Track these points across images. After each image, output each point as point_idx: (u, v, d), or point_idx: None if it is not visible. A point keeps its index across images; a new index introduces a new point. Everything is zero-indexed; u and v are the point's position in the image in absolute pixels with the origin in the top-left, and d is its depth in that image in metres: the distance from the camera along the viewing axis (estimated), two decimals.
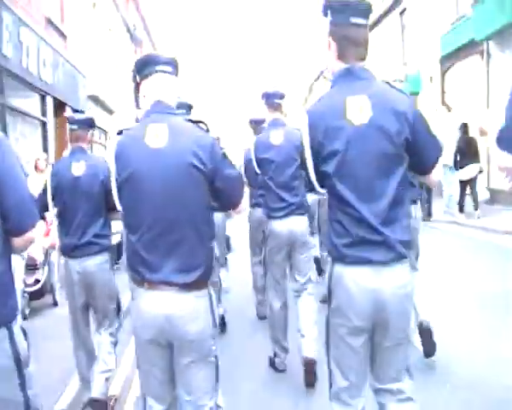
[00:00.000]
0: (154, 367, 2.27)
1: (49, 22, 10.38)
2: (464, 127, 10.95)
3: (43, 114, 10.09)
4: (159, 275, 2.18)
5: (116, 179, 2.26)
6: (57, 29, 10.92)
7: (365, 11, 2.15)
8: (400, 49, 19.15)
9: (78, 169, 3.51)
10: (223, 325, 5.06)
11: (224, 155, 2.32)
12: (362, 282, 2.09)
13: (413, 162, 2.17)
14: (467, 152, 10.58)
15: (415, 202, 3.96)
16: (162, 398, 2.31)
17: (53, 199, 3.54)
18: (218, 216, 4.49)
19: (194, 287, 2.21)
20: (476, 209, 10.72)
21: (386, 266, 2.09)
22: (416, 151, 2.14)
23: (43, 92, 9.93)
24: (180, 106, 3.21)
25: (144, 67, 2.33)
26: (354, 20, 2.13)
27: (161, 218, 2.18)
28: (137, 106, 3.04)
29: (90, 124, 3.72)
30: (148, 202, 2.19)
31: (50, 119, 10.28)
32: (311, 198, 4.55)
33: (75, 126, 3.63)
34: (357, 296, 2.10)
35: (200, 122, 2.32)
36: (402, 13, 18.84)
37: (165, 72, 2.31)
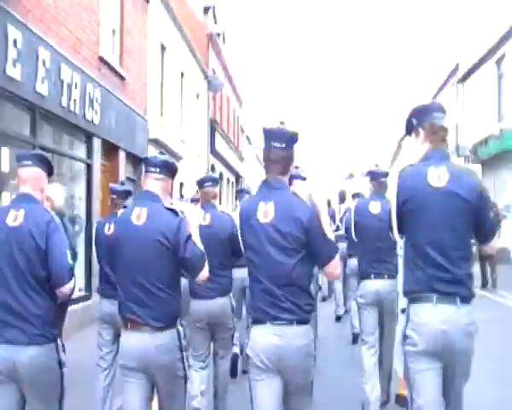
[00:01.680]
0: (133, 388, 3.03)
1: (103, 62, 9.88)
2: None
3: (89, 156, 9.45)
4: (134, 318, 2.99)
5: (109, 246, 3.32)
6: (112, 69, 10.41)
7: (285, 137, 2.92)
8: (496, 101, 17.25)
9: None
10: (233, 369, 5.57)
11: (189, 237, 3.00)
12: None
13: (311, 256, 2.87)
14: None
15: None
16: None
17: None
18: (237, 272, 4.94)
19: (165, 328, 2.98)
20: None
21: None
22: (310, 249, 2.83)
23: (88, 133, 9.32)
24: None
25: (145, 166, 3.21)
26: (274, 143, 2.91)
27: (134, 279, 2.99)
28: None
29: (126, 196, 4.60)
30: (124, 265, 3.06)
31: (97, 161, 9.60)
32: None
33: (114, 196, 4.66)
34: None
35: (174, 211, 3.05)
36: (500, 60, 17.01)
37: (156, 177, 3.13)
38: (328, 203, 10.19)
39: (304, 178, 4.54)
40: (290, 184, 4.39)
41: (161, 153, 3.40)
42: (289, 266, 2.78)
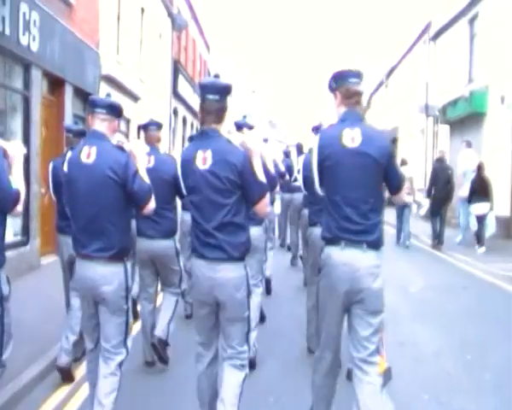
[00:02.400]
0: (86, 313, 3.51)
1: None
2: (479, 167, 11.68)
3: (26, 87, 8.55)
4: (86, 251, 3.34)
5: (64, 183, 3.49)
6: None
7: (218, 89, 3.20)
8: (467, 62, 16.71)
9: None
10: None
11: (136, 172, 3.33)
12: None
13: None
14: (479, 190, 11.46)
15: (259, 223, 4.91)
16: (89, 334, 3.56)
17: None
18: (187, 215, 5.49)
19: (112, 260, 3.32)
20: (482, 246, 11.48)
21: None
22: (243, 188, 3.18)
23: (24, 61, 8.40)
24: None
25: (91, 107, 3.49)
26: (208, 96, 3.20)
27: (87, 213, 3.30)
28: None
29: (81, 135, 4.57)
30: (77, 201, 3.34)
31: (36, 93, 8.71)
32: None
33: (69, 135, 4.91)
34: None
35: (121, 148, 3.39)
36: (472, 20, 16.39)
37: (102, 118, 3.40)
38: (286, 155, 10.39)
39: (250, 127, 4.76)
40: (239, 131, 4.62)
41: (108, 95, 3.69)
42: (227, 207, 3.13)
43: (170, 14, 19.32)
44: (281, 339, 5.74)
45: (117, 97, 13.28)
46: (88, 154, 3.28)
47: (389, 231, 14.43)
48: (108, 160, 3.26)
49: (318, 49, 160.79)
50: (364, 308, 3.10)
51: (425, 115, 19.57)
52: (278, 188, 5.37)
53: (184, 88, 22.27)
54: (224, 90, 3.21)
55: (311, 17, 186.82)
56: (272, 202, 7.23)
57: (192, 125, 26.66)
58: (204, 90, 3.22)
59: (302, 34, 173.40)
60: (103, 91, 12.22)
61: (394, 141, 27.81)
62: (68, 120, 10.11)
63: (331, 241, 3.18)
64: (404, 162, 13.77)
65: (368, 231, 3.12)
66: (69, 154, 3.52)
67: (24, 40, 8.06)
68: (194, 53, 26.20)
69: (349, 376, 3.53)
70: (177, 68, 20.61)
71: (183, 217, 6.17)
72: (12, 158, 3.33)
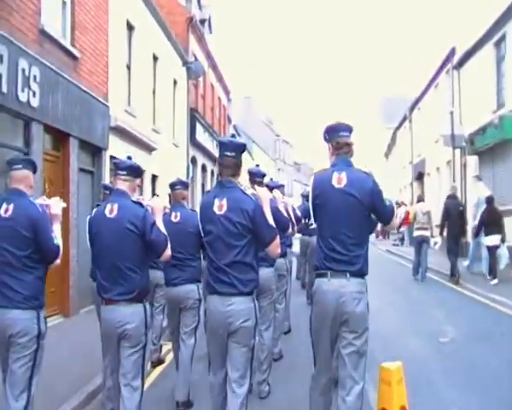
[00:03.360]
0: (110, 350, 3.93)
1: (46, 36, 8.57)
2: (489, 199, 12.33)
3: (26, 144, 8.15)
4: (109, 295, 3.80)
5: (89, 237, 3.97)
6: (60, 46, 9.11)
7: (234, 147, 3.71)
8: (494, 87, 15.94)
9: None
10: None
11: (154, 223, 3.80)
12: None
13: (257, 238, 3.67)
14: (489, 223, 11.98)
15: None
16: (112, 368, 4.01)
17: None
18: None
19: (133, 301, 3.77)
20: (495, 278, 11.79)
21: None
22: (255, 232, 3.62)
23: (25, 118, 8.03)
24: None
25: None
26: (225, 153, 3.69)
27: (110, 261, 3.78)
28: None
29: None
30: (102, 251, 3.83)
31: (37, 150, 8.31)
32: None
33: (107, 192, 5.85)
34: None
35: (139, 204, 3.87)
36: (499, 42, 15.66)
37: (123, 179, 3.94)
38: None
39: (263, 175, 5.51)
40: (251, 178, 5.35)
41: (129, 158, 4.03)
42: (238, 248, 3.56)
43: (185, 63, 19.13)
44: (295, 372, 5.97)
45: (129, 149, 12.93)
46: (111, 210, 3.79)
47: (407, 265, 15.99)
48: (128, 214, 3.76)
49: (339, 85, 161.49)
50: (349, 329, 3.53)
51: (451, 147, 18.78)
52: (296, 230, 5.99)
53: (202, 136, 21.98)
54: (239, 148, 3.73)
55: (329, 51, 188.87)
56: (290, 245, 7.61)
57: (212, 173, 26.29)
58: (222, 147, 3.72)
59: (321, 65, 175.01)
60: (113, 144, 11.91)
61: (421, 176, 27.01)
62: (73, 175, 9.70)
63: (320, 274, 3.66)
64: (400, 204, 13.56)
65: (351, 262, 3.56)
66: (94, 210, 4.04)
67: (23, 96, 7.70)
68: (212, 100, 26.05)
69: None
70: (193, 116, 20.34)
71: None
72: (54, 215, 3.87)
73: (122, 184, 3.90)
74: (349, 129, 3.77)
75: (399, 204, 16.17)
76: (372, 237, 33.76)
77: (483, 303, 10.34)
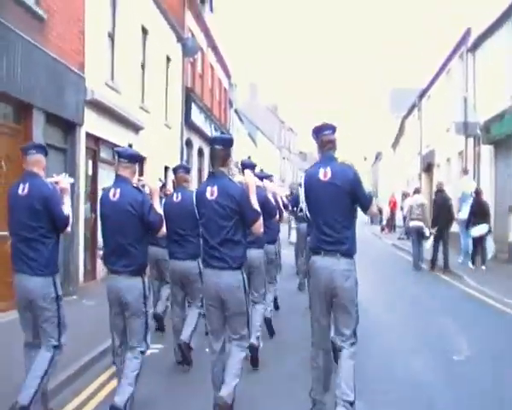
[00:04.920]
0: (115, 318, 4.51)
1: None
2: (477, 192, 13.45)
3: None
4: (114, 267, 4.41)
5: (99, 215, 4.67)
6: (22, 4, 7.93)
7: (223, 141, 4.45)
8: (509, 74, 14.59)
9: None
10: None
11: (151, 206, 4.39)
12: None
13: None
14: (477, 213, 12.92)
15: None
16: (118, 334, 4.53)
17: None
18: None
19: (133, 274, 4.36)
20: (483, 263, 12.87)
21: None
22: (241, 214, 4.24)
23: None
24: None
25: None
26: (215, 146, 4.40)
27: (114, 238, 4.40)
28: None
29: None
30: (108, 230, 4.48)
31: None
32: None
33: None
34: None
35: (138, 189, 4.47)
36: None
37: (125, 166, 4.53)
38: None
39: (253, 166, 6.32)
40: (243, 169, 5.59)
41: (130, 146, 6.38)
42: (228, 228, 4.20)
43: (180, 39, 17.89)
44: (286, 348, 6.59)
45: (109, 127, 11.78)
46: (114, 193, 4.37)
47: (405, 257, 16.58)
48: (129, 198, 4.33)
49: (347, 74, 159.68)
50: (339, 302, 4.15)
51: (464, 136, 17.51)
52: (283, 218, 7.01)
53: (199, 118, 20.76)
54: (228, 143, 4.44)
55: (338, 38, 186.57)
56: (278, 231, 7.74)
57: None
58: (213, 142, 4.48)
59: (328, 52, 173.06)
60: (90, 120, 10.74)
61: (429, 167, 25.74)
62: None
63: (315, 251, 4.31)
64: (417, 191, 15.82)
65: (340, 241, 4.17)
66: (100, 194, 4.78)
67: None
68: (212, 81, 24.80)
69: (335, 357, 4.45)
70: (189, 97, 19.13)
71: None
72: (63, 189, 4.49)
73: (123, 171, 4.49)
74: (332, 128, 4.39)
75: (406, 195, 16.37)
76: (377, 230, 32.65)
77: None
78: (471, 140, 17.58)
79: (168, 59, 17.18)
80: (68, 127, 9.95)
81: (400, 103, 36.71)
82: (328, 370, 4.31)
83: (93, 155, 11.46)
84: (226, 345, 4.36)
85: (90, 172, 11.36)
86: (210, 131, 23.01)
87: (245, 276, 4.32)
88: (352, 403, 3.95)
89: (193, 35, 19.76)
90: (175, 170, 6.16)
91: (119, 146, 12.77)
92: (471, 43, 17.66)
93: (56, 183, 4.48)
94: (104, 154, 12.16)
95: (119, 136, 12.53)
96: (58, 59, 9.10)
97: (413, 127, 30.63)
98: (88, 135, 10.80)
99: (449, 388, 5.26)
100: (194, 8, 19.95)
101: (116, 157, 4.62)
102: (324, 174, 4.20)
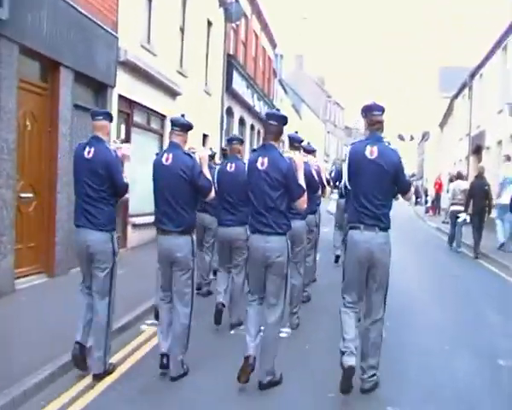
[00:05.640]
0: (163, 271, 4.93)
1: None
2: None
3: None
4: (166, 227, 4.74)
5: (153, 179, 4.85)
6: None
7: (277, 118, 4.72)
8: None
9: None
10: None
11: (200, 172, 4.72)
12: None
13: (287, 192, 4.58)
14: None
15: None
16: (167, 289, 4.88)
17: None
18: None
19: (183, 234, 4.71)
20: None
21: None
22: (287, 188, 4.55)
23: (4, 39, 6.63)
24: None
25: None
26: (270, 121, 4.69)
27: (166, 200, 4.71)
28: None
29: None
30: (160, 192, 4.76)
31: (8, 75, 6.92)
32: None
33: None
34: None
35: (189, 155, 4.77)
36: None
37: (177, 133, 4.87)
38: None
39: (301, 140, 6.58)
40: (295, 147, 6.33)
41: (182, 115, 4.97)
42: (274, 196, 4.50)
43: (222, 3, 17.35)
44: (323, 313, 6.94)
45: (144, 89, 11.48)
46: (167, 158, 4.74)
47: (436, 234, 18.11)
48: (180, 163, 4.68)
49: (394, 51, 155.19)
50: (375, 272, 4.49)
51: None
52: (326, 192, 7.48)
53: (240, 86, 20.27)
54: (282, 120, 4.72)
55: (386, 15, 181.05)
56: (319, 204, 8.07)
57: (253, 128, 24.64)
58: (267, 117, 4.78)
59: (376, 29, 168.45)
60: (123, 82, 10.45)
61: (479, 149, 24.57)
62: (67, 112, 8.33)
63: (353, 226, 4.52)
64: (460, 176, 15.27)
65: (379, 218, 4.44)
66: (155, 158, 4.97)
67: None
68: (256, 50, 24.21)
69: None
70: (231, 64, 18.65)
71: None
72: (124, 156, 4.95)
73: (176, 138, 4.80)
74: (381, 108, 4.55)
75: (452, 178, 15.30)
76: (421, 210, 31.66)
77: None
78: None
79: (209, 23, 16.71)
80: (99, 88, 9.68)
81: (450, 82, 35.14)
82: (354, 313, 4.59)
83: (126, 118, 11.20)
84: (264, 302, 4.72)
85: (123, 137, 11.11)
86: (252, 100, 22.53)
87: (289, 242, 4.63)
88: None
89: (237, 0, 19.17)
90: (229, 140, 6.61)
91: (154, 110, 12.62)
92: None
93: (118, 149, 4.92)
94: (138, 118, 11.89)
95: (154, 100, 12.24)
96: (88, 15, 8.78)
97: (463, 107, 29.28)
98: (121, 97, 10.54)
99: (492, 396, 4.75)
100: None
101: (171, 125, 4.91)
102: (371, 152, 4.41)
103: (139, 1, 11.20)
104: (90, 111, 9.31)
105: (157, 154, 5.31)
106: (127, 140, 10.99)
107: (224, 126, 18.75)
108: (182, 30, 14.23)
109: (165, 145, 12.95)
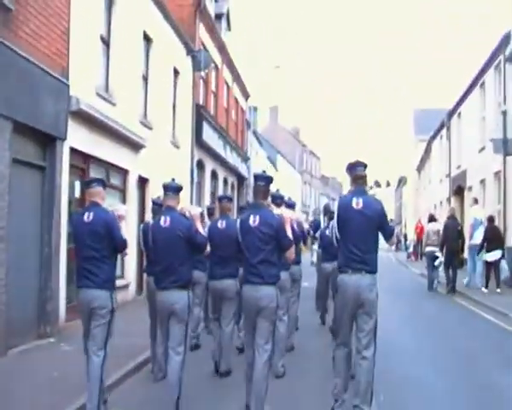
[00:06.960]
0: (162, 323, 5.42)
1: None
2: (490, 219, 13.92)
3: None
4: (164, 284, 5.22)
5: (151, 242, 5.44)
6: None
7: (264, 179, 5.31)
8: None
9: None
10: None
11: (196, 230, 5.28)
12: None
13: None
14: (491, 240, 13.38)
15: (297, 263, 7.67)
16: (164, 338, 5.44)
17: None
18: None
19: (180, 288, 5.19)
20: (498, 287, 13.25)
21: None
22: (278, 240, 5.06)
23: None
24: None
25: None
26: (258, 182, 5.26)
27: (166, 259, 5.20)
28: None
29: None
30: (159, 252, 5.29)
31: None
32: None
33: (155, 207, 6.88)
34: None
35: (184, 216, 5.34)
36: None
37: (172, 197, 5.43)
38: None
39: (281, 197, 7.07)
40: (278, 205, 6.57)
41: (173, 180, 5.58)
42: (266, 250, 4.99)
43: (189, 51, 16.57)
44: (308, 360, 7.35)
45: (101, 142, 10.37)
46: (165, 221, 5.24)
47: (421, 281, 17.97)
48: (178, 224, 5.21)
49: (369, 96, 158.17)
50: (364, 311, 4.90)
51: (502, 154, 15.76)
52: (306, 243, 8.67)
53: (212, 137, 19.33)
54: (269, 180, 5.31)
55: (359, 60, 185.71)
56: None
57: (226, 182, 23.59)
58: (256, 179, 5.30)
59: (350, 75, 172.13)
60: (75, 134, 9.32)
61: (460, 190, 23.86)
62: (3, 167, 7.15)
63: (342, 271, 5.02)
64: (432, 218, 16.20)
65: (365, 262, 4.94)
66: (151, 222, 5.87)
67: None
68: (228, 100, 23.47)
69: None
70: (200, 114, 17.75)
71: None
72: (120, 216, 5.33)
73: (171, 201, 5.38)
74: (364, 165, 5.19)
75: (432, 219, 15.10)
76: (403, 257, 30.74)
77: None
78: (511, 160, 15.82)
79: (176, 72, 15.84)
80: (47, 141, 8.53)
81: (425, 124, 34.92)
82: (348, 364, 5.08)
83: (81, 174, 10.03)
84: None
85: (78, 194, 9.92)
86: (224, 152, 21.59)
87: (278, 292, 5.13)
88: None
89: (206, 49, 18.47)
90: (220, 199, 7.15)
91: (114, 165, 11.51)
92: (509, 51, 15.96)
93: (116, 210, 5.35)
94: (96, 173, 10.70)
95: (114, 153, 11.16)
96: (31, 59, 7.72)
97: (441, 148, 28.80)
98: (74, 151, 9.39)
99: None
100: (206, 20, 18.66)
101: (164, 190, 5.43)
102: (357, 203, 4.99)
103: (94, 45, 10.22)
104: (36, 167, 8.39)
105: (153, 217, 6.20)
106: (82, 198, 9.81)
107: (195, 180, 17.70)
108: (145, 78, 13.31)
109: (128, 202, 12.04)
